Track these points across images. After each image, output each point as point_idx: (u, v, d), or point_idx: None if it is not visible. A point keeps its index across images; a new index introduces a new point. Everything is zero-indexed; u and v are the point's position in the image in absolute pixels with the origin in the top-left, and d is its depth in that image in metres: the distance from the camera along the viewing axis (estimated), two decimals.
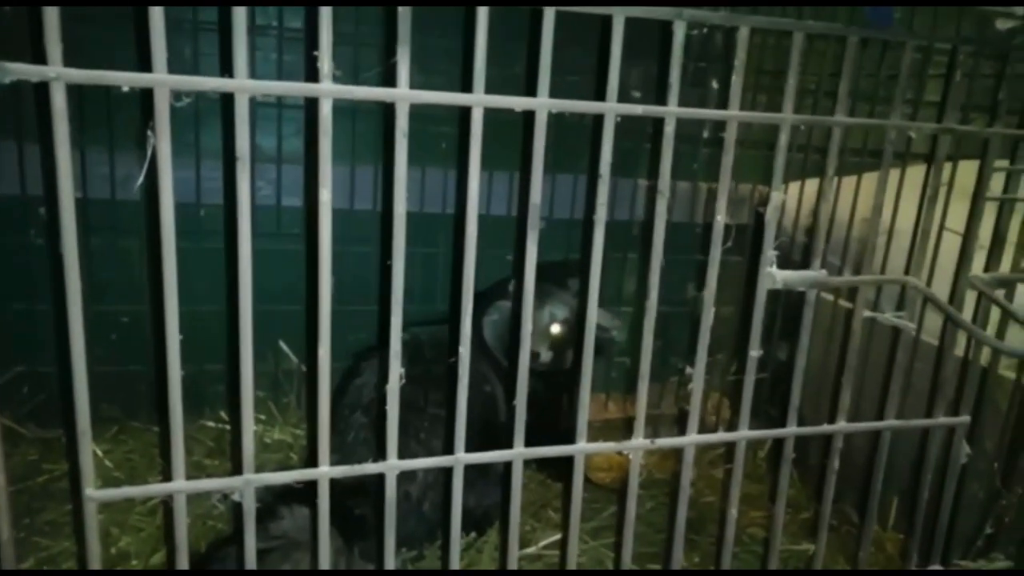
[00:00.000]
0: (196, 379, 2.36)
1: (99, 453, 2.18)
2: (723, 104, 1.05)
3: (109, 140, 2.24)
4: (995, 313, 1.48)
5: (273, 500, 1.80)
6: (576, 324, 2.26)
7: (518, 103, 0.94)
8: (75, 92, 2.19)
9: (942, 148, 1.22)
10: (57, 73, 0.74)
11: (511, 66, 2.35)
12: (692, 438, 1.15)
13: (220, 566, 1.67)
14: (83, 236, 2.27)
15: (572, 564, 1.18)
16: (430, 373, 1.98)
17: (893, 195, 2.05)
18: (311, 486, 0.99)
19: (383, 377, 0.99)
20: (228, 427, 2.41)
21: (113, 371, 2.35)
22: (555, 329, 2.24)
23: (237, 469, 0.94)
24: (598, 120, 0.99)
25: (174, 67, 0.78)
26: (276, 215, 2.44)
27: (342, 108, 2.38)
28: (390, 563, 1.03)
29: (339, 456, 1.91)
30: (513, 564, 1.15)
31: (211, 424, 2.41)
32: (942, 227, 1.87)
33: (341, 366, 2.23)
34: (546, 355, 2.20)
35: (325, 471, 0.97)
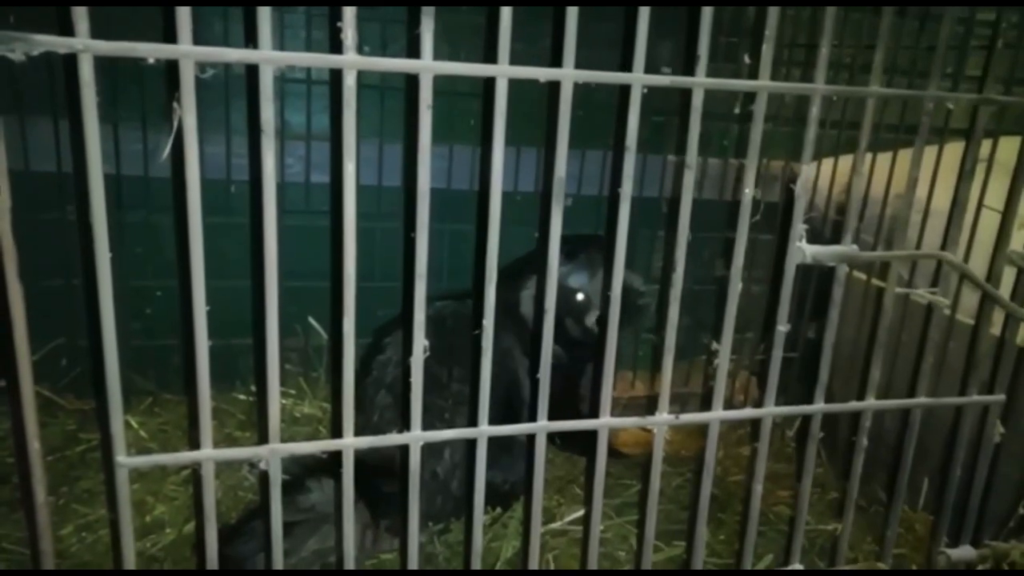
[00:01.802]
0: (227, 353, 2.40)
1: (134, 424, 2.23)
2: (754, 78, 1.03)
3: (142, 117, 2.27)
4: None
5: (302, 473, 1.83)
6: (628, 290, 2.26)
7: (543, 74, 0.93)
8: (108, 69, 2.23)
9: (981, 120, 1.18)
10: (84, 45, 0.75)
11: (539, 40, 2.33)
12: (717, 414, 1.15)
13: (248, 538, 1.70)
14: (117, 212, 2.31)
15: (595, 539, 1.19)
16: (453, 348, 1.98)
17: (930, 171, 2.00)
18: (339, 460, 1.00)
19: (406, 352, 1.00)
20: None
21: (147, 344, 2.41)
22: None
23: (264, 439, 0.96)
24: (625, 93, 0.98)
25: (202, 42, 0.78)
26: (305, 192, 2.45)
27: (371, 85, 2.38)
28: (413, 533, 1.04)
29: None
30: (536, 538, 1.16)
31: (242, 397, 2.45)
32: (980, 204, 1.82)
33: (369, 341, 2.25)
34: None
35: (350, 442, 0.98)
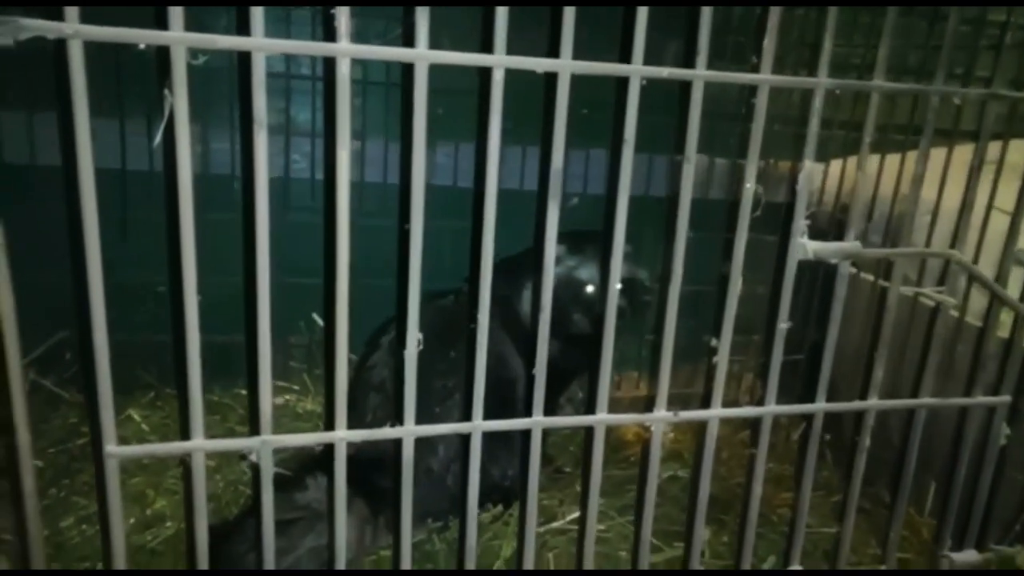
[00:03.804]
0: (231, 349, 2.39)
1: (136, 417, 2.23)
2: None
3: (147, 112, 2.27)
4: None
5: (299, 470, 1.82)
6: (634, 282, 2.23)
7: (540, 64, 0.92)
8: (112, 63, 2.23)
9: (989, 116, 1.17)
10: (74, 30, 0.74)
11: (539, 44, 2.31)
12: (717, 411, 1.13)
13: (243, 537, 1.69)
14: (121, 207, 2.31)
15: (591, 538, 1.17)
16: (437, 344, 1.93)
17: (939, 174, 1.97)
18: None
19: (399, 345, 0.99)
20: None
21: (150, 339, 2.40)
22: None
23: (255, 430, 0.95)
24: (623, 86, 0.97)
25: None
26: (311, 188, 2.45)
27: (377, 82, 2.37)
28: (406, 527, 1.03)
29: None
30: (531, 536, 1.14)
31: (244, 392, 2.44)
32: (990, 205, 1.80)
33: (364, 339, 2.23)
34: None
35: (342, 435, 0.97)
